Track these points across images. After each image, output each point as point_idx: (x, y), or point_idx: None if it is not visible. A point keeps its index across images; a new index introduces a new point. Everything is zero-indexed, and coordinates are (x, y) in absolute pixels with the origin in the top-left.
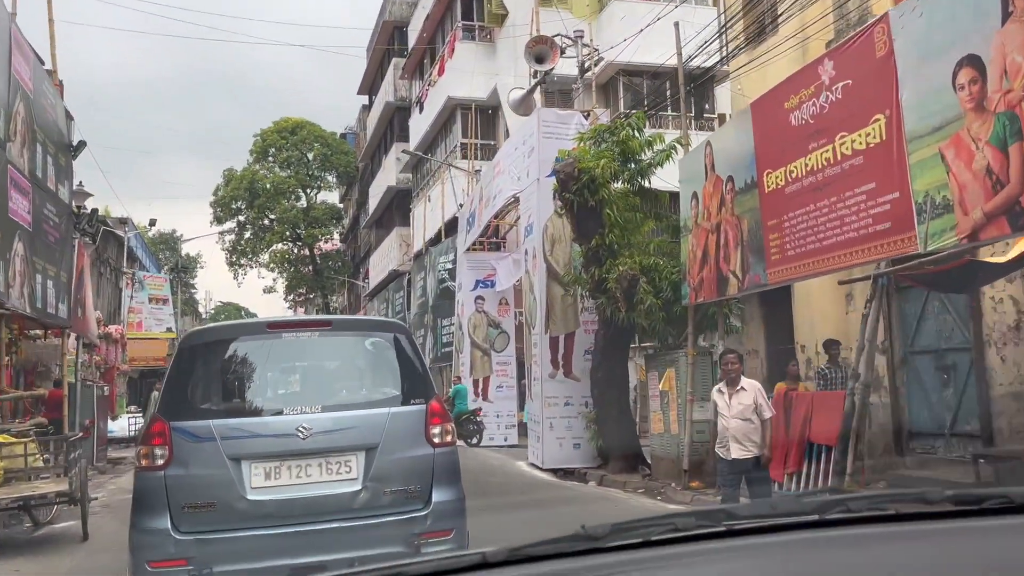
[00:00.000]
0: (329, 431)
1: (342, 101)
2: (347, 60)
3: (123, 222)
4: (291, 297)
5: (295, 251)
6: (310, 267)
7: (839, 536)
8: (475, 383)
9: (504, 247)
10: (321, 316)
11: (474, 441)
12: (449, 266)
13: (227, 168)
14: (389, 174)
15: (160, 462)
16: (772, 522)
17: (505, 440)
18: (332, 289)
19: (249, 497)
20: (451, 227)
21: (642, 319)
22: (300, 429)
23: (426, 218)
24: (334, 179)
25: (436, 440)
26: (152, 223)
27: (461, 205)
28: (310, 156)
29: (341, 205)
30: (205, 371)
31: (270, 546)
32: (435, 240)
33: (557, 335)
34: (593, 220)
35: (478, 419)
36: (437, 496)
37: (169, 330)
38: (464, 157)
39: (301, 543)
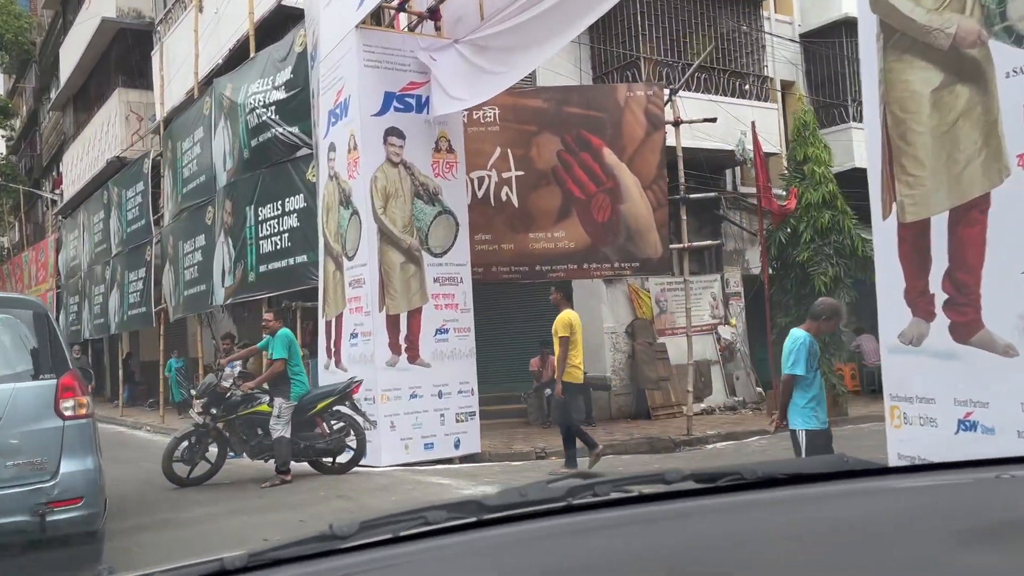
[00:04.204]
0: None
1: None
2: None
3: None
4: None
5: None
6: None
7: (586, 520)
8: (390, 324)
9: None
10: None
11: (334, 461)
12: (278, 97)
13: None
14: (104, 4)
15: None
16: (523, 511)
17: (457, 446)
18: None
19: None
20: (273, 31)
21: None
22: None
23: (199, 43)
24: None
25: (67, 413)
26: None
27: None
28: None
29: (11, 103)
30: None
31: None
32: (227, 66)
33: None
34: None
35: (350, 412)
36: (66, 467)
37: None
38: None
39: None
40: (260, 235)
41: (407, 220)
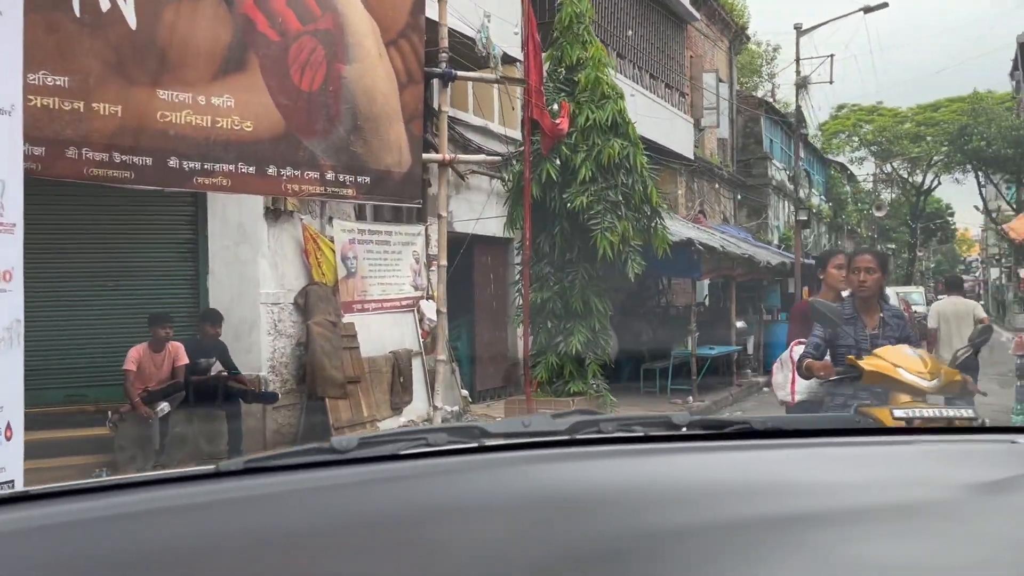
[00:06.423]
0: None
1: None
2: None
3: None
4: None
5: None
6: None
7: (589, 452)
8: None
9: None
10: None
11: None
12: None
13: None
14: None
15: None
16: (525, 440)
17: None
18: None
19: None
20: None
21: None
22: None
23: None
24: None
25: None
26: None
27: None
28: None
29: None
30: None
31: None
32: None
33: None
34: None
35: None
36: None
37: None
38: None
39: None
40: None
41: None
